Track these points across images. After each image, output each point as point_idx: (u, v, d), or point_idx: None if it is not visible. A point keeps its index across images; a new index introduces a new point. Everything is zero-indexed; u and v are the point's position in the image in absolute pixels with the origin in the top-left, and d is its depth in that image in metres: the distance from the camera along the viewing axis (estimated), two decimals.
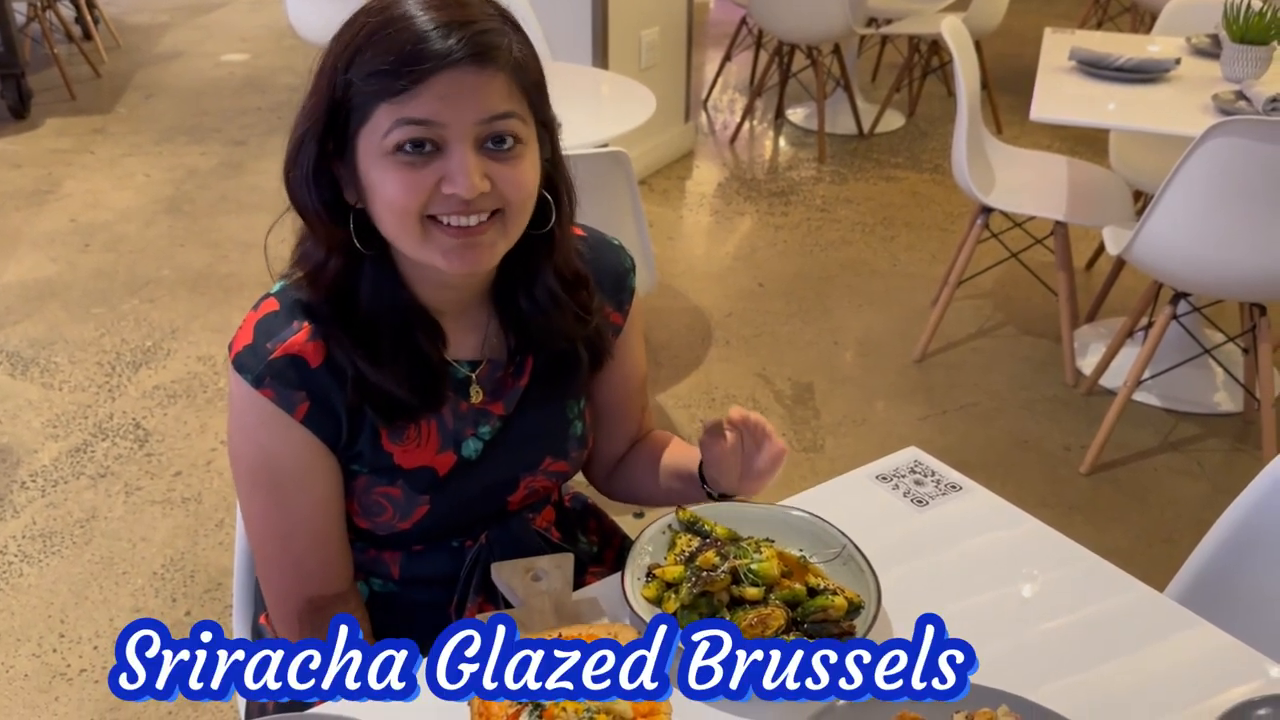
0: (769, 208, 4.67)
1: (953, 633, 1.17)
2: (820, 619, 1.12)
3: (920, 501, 1.39)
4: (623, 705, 1.01)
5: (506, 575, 1.20)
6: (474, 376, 1.25)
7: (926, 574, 1.26)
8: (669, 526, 1.26)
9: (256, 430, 1.17)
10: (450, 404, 1.23)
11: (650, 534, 1.25)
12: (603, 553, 1.51)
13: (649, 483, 1.42)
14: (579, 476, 1.48)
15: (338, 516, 1.23)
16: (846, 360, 3.54)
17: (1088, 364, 3.42)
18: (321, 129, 1.11)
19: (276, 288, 1.20)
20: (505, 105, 1.09)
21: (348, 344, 1.16)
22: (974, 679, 1.07)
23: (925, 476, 1.44)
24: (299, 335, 1.16)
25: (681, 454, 1.40)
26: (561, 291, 1.24)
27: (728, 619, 1.13)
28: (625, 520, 1.57)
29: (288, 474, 1.18)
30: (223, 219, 4.38)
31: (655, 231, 4.37)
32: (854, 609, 1.14)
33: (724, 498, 1.31)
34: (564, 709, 1.00)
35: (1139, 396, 3.22)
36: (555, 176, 1.22)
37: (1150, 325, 3.10)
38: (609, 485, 1.49)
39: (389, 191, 1.09)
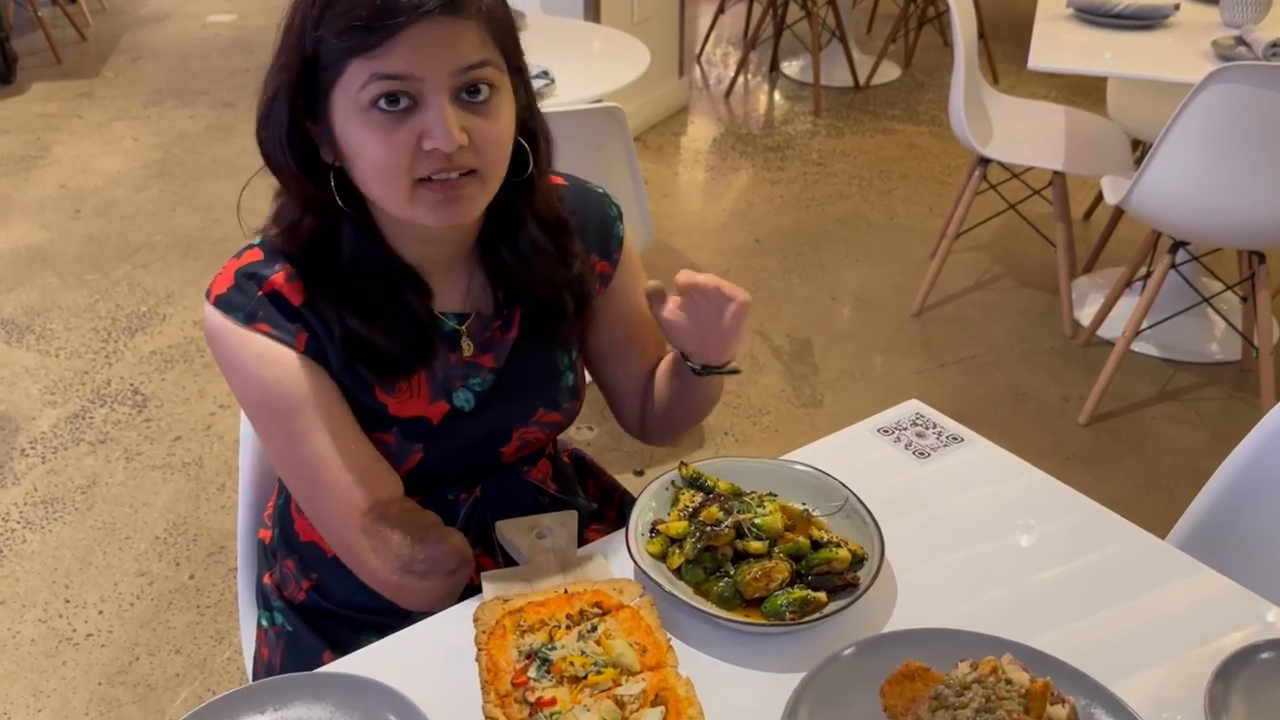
0: (765, 163, 4.64)
1: (954, 583, 1.18)
2: (824, 571, 1.13)
3: (921, 454, 1.39)
4: (630, 658, 1.02)
5: (511, 533, 1.20)
6: (462, 329, 1.25)
7: (929, 525, 1.27)
8: (672, 482, 1.26)
9: (254, 366, 1.16)
10: (440, 356, 1.23)
11: (653, 490, 1.25)
12: (603, 509, 1.51)
13: (662, 399, 1.39)
14: (592, 434, 1.48)
15: (358, 430, 1.20)
16: (844, 315, 3.54)
17: (1086, 315, 3.42)
18: (294, 88, 1.09)
19: (259, 239, 1.20)
20: (479, 54, 1.07)
21: (334, 300, 1.16)
22: (977, 628, 1.07)
23: (926, 429, 1.44)
24: (279, 275, 1.16)
25: (668, 352, 1.39)
26: (543, 237, 1.24)
27: (731, 573, 1.13)
28: (626, 478, 1.57)
29: (297, 401, 1.16)
30: (213, 182, 4.35)
31: (650, 189, 4.34)
32: (857, 561, 1.15)
33: (708, 370, 1.29)
34: (571, 662, 1.01)
35: (1137, 346, 3.22)
36: (531, 122, 1.21)
37: (1148, 275, 3.09)
38: (645, 431, 1.46)
39: (372, 154, 1.08)
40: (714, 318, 1.22)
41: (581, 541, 1.27)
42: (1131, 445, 2.91)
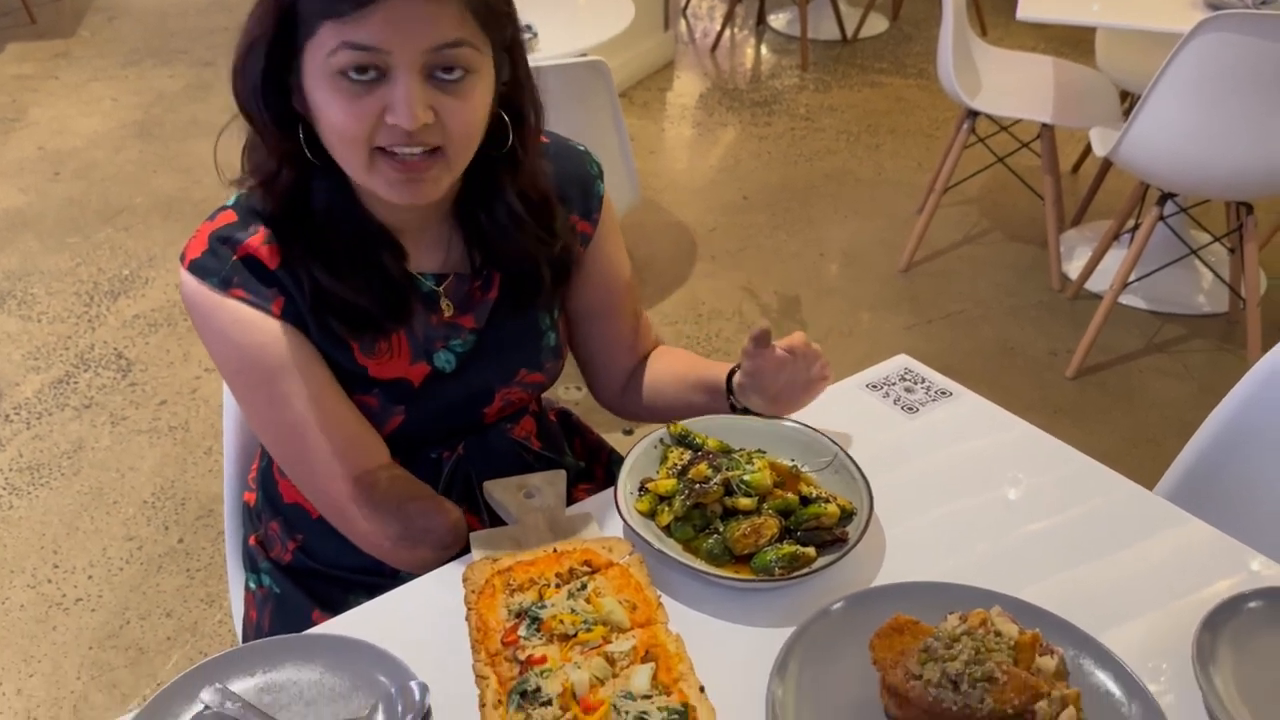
0: (752, 118, 4.60)
1: (943, 537, 1.18)
2: (813, 527, 1.13)
3: (910, 409, 1.39)
4: (620, 615, 1.02)
5: (499, 493, 1.20)
6: (440, 290, 1.23)
7: (918, 479, 1.26)
8: (660, 440, 1.25)
9: (231, 332, 1.15)
10: (419, 316, 1.21)
11: (642, 448, 1.24)
12: (591, 468, 1.51)
13: (668, 396, 1.39)
14: (581, 394, 1.46)
15: (341, 394, 1.19)
16: (832, 272, 3.52)
17: (1073, 268, 3.42)
18: (270, 39, 1.07)
19: (232, 200, 1.18)
20: (456, 33, 1.04)
21: (304, 254, 1.14)
22: (966, 581, 1.07)
23: (915, 383, 1.43)
24: (255, 237, 1.14)
25: (704, 366, 1.37)
26: (524, 212, 1.21)
27: (721, 530, 1.13)
28: (614, 438, 1.57)
29: (277, 366, 1.15)
30: (193, 143, 4.29)
31: (636, 145, 4.30)
32: (846, 516, 1.14)
33: (747, 413, 1.29)
34: (561, 620, 1.00)
35: (1124, 299, 3.22)
36: (519, 97, 1.17)
37: (1136, 228, 3.08)
38: (623, 403, 1.46)
39: (333, 117, 1.05)
40: (794, 379, 1.24)
41: (569, 500, 1.27)
42: (1119, 398, 2.92)
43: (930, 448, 1.32)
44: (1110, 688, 0.98)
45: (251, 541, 1.39)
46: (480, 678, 0.97)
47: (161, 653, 2.18)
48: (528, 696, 0.93)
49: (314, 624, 1.11)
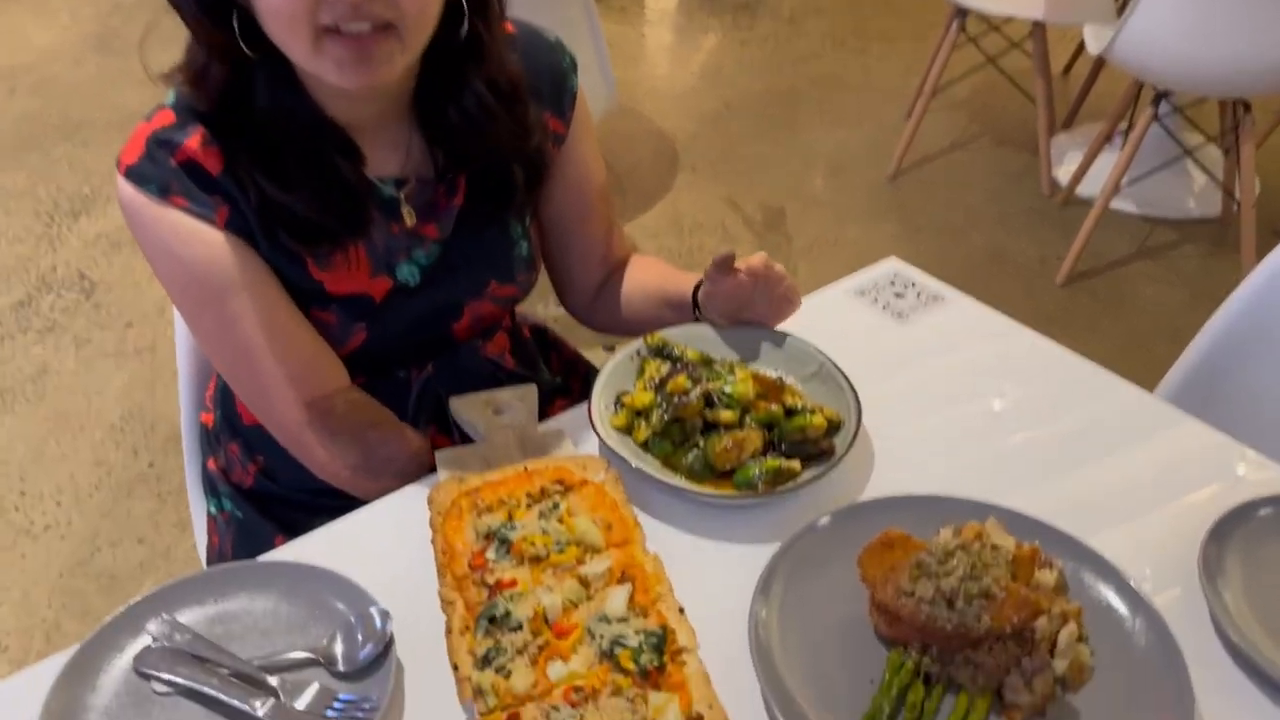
0: (734, 22, 4.44)
1: (934, 446, 1.12)
2: (799, 439, 1.06)
3: (900, 315, 1.32)
4: (594, 535, 0.96)
5: (466, 410, 1.13)
6: (401, 196, 1.14)
7: (908, 388, 1.20)
8: (637, 352, 1.18)
9: (174, 245, 1.06)
10: (379, 226, 1.12)
11: (618, 361, 1.17)
12: (568, 383, 1.44)
13: (638, 309, 1.32)
14: (560, 311, 1.39)
15: (296, 314, 1.11)
16: (817, 181, 3.43)
17: (1064, 174, 3.34)
18: None
19: (170, 98, 1.08)
20: None
21: (248, 163, 1.05)
22: (959, 492, 1.02)
23: (905, 288, 1.36)
24: (193, 139, 1.05)
25: (673, 280, 1.30)
26: (494, 102, 1.11)
27: (701, 445, 1.07)
28: (595, 354, 1.50)
29: (223, 282, 1.07)
30: (154, 55, 4.11)
31: (614, 52, 4.14)
32: (833, 427, 1.08)
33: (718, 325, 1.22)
34: (532, 542, 0.95)
35: (1115, 204, 3.15)
36: None
37: (1128, 130, 2.99)
38: (592, 315, 1.39)
39: None
40: (760, 303, 1.18)
41: (544, 416, 1.21)
42: (1109, 305, 2.87)
43: (921, 355, 1.26)
44: (1113, 601, 0.93)
45: (210, 466, 1.32)
46: (446, 603, 0.91)
47: (134, 579, 2.14)
48: (496, 622, 0.88)
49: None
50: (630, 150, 3.58)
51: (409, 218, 1.15)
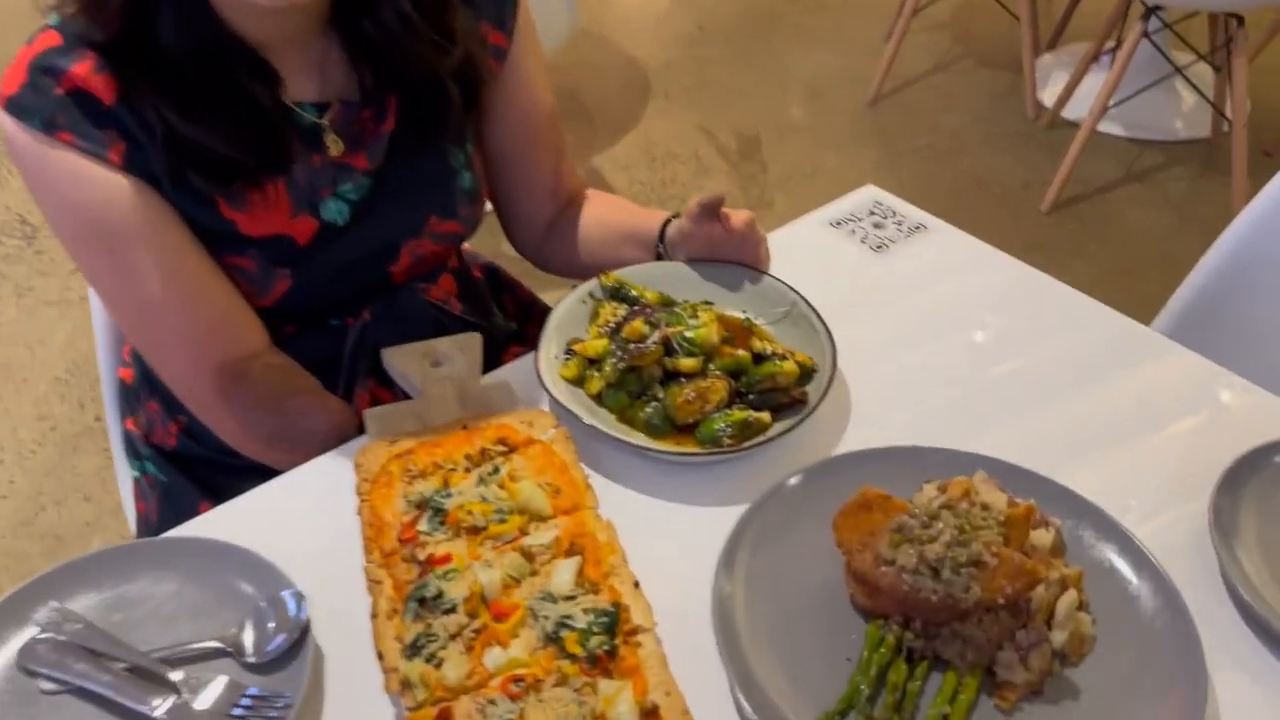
0: None
1: (916, 388, 1.03)
2: (768, 388, 0.96)
3: (880, 246, 1.21)
4: (540, 501, 0.86)
5: (400, 362, 1.02)
6: (325, 122, 1.02)
7: (888, 326, 1.10)
8: (590, 294, 1.07)
9: (63, 188, 0.94)
10: (300, 158, 1.01)
11: (568, 304, 1.06)
12: (523, 328, 1.33)
13: (595, 247, 1.21)
14: (508, 249, 1.28)
15: (208, 265, 1.00)
16: (795, 107, 3.30)
17: (1049, 95, 3.21)
18: None
19: (55, 19, 0.95)
20: None
21: (148, 91, 0.92)
22: (944, 435, 0.92)
23: (885, 218, 1.25)
24: (82, 65, 0.92)
25: (637, 215, 1.20)
26: (414, 13, 0.99)
27: (660, 396, 0.97)
28: (556, 294, 1.38)
29: (122, 231, 0.95)
30: None
31: None
32: (806, 374, 0.98)
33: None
34: (469, 511, 0.84)
35: (1102, 127, 3.03)
36: None
37: (1116, 48, 2.87)
38: (543, 254, 1.28)
39: None
40: (725, 244, 1.09)
41: (498, 364, 1.10)
42: (1095, 231, 2.77)
43: (903, 290, 1.15)
44: (1116, 563, 0.84)
45: (129, 426, 1.21)
46: (373, 582, 0.81)
47: (81, 539, 2.04)
48: (427, 604, 0.78)
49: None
50: (598, 78, 3.43)
51: (334, 146, 1.04)
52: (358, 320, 1.12)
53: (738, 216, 1.07)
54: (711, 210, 1.05)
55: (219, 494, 1.13)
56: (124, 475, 1.31)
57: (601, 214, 1.23)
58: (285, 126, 1.00)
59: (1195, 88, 3.04)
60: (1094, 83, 3.00)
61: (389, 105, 1.05)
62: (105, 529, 2.05)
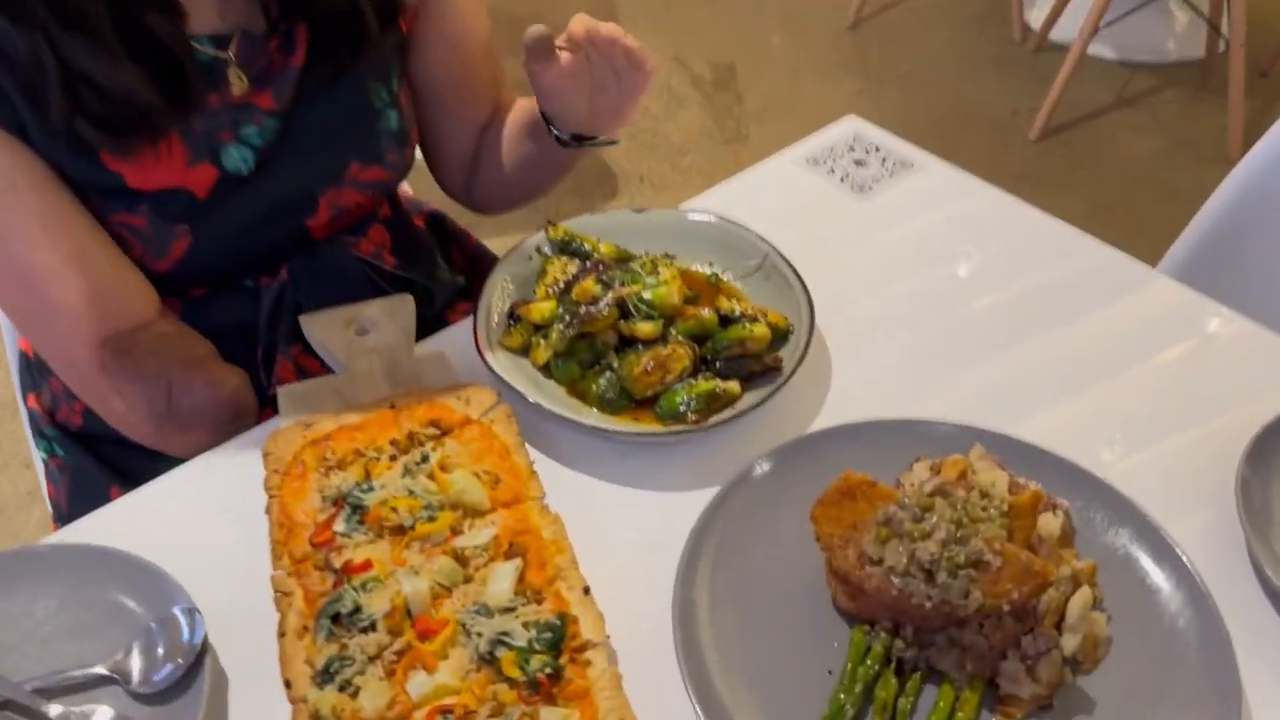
0: None
1: (899, 339, 0.92)
2: (737, 354, 0.85)
3: (861, 187, 1.09)
4: (475, 494, 0.75)
5: (321, 331, 0.90)
6: (228, 56, 0.89)
7: (872, 279, 0.99)
8: (537, 249, 0.95)
9: None
10: (197, 100, 0.88)
11: (512, 261, 0.95)
12: (472, 283, 1.21)
13: (510, 161, 1.09)
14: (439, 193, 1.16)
15: (88, 226, 0.89)
16: (771, 35, 3.14)
17: (1036, 17, 3.08)
18: None
19: None
20: None
21: (32, 28, 0.80)
22: (935, 394, 0.82)
23: (867, 154, 1.13)
24: None
25: (528, 106, 1.06)
26: None
27: (615, 366, 0.85)
28: (509, 241, 1.26)
29: None
30: None
31: None
32: (780, 336, 0.87)
33: (580, 140, 0.99)
34: (394, 509, 0.73)
35: (1092, 49, 2.90)
36: None
37: None
38: (473, 194, 1.16)
39: None
40: (609, 82, 0.92)
41: (443, 325, 0.99)
42: (1085, 159, 2.66)
43: (886, 235, 1.04)
44: (1132, 550, 0.74)
45: (31, 403, 1.09)
46: (281, 594, 0.70)
47: (23, 509, 1.93)
48: (342, 621, 0.67)
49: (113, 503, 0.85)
50: (560, 5, 3.25)
51: (237, 84, 0.91)
52: (275, 280, 1.00)
53: (570, 26, 0.90)
54: (541, 50, 0.90)
55: (132, 478, 1.02)
56: (36, 456, 1.20)
57: (510, 119, 1.10)
58: (188, 63, 0.87)
59: (1191, 5, 2.90)
60: (1083, 2, 2.86)
61: (297, 36, 0.92)
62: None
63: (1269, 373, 0.90)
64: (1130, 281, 1.00)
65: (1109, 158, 2.67)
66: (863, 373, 0.89)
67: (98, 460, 1.04)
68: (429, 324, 1.13)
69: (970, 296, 0.97)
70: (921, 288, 0.98)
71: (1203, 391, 0.88)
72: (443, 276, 1.17)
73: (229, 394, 0.89)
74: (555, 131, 0.99)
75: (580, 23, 0.88)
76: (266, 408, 0.95)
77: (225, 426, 0.87)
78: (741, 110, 2.86)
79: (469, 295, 1.19)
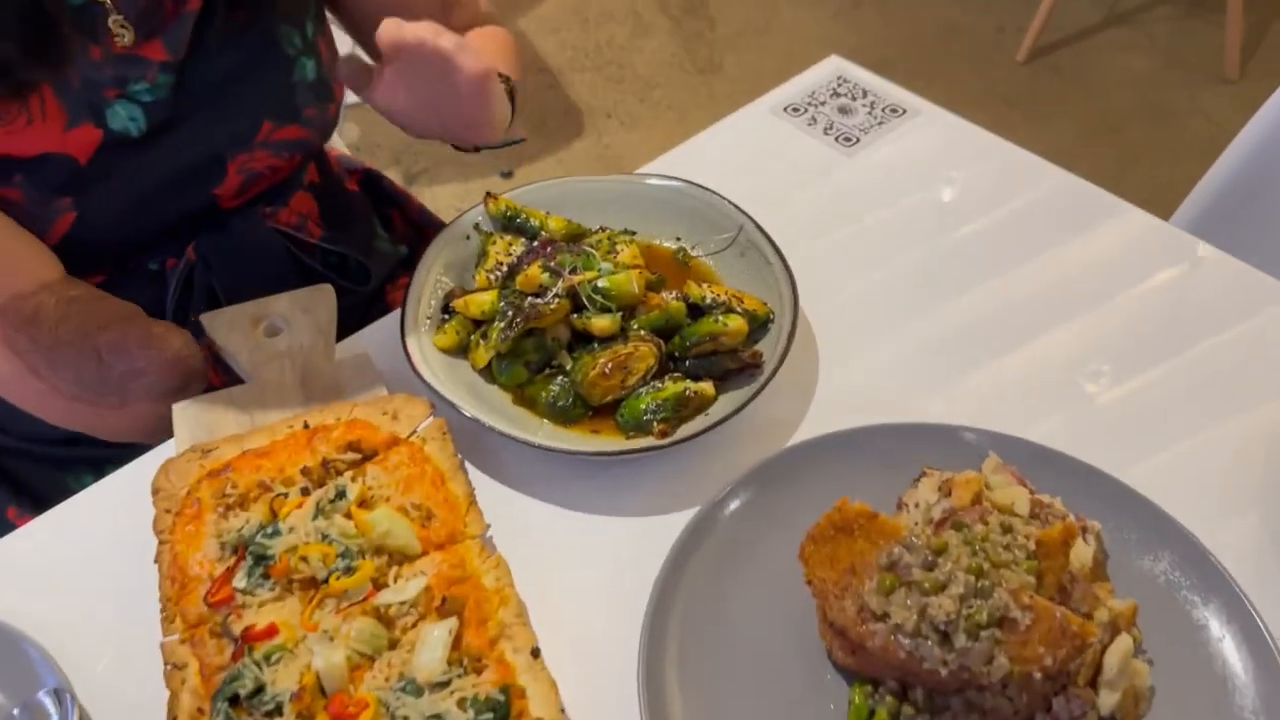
0: None
1: (893, 318, 0.82)
2: (709, 351, 0.73)
3: (848, 138, 0.96)
4: (404, 536, 0.63)
5: (223, 332, 0.77)
6: (107, 2, 0.76)
7: (864, 255, 0.87)
8: (475, 226, 0.82)
9: None
10: (74, 53, 0.75)
11: (446, 240, 0.82)
12: (416, 252, 1.08)
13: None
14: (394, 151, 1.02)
15: None
16: None
17: None
18: None
19: None
20: None
21: None
22: (938, 372, 0.71)
23: (854, 99, 1.00)
24: None
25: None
26: None
27: (569, 368, 0.73)
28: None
29: None
30: None
31: None
32: (758, 326, 0.75)
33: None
34: (304, 558, 0.62)
35: None
36: None
37: None
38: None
39: None
40: (444, 91, 0.74)
41: (385, 304, 0.87)
42: (1075, 82, 2.52)
43: (878, 198, 0.91)
44: (1173, 578, 0.63)
45: None
46: (173, 667, 0.59)
47: None
48: (242, 704, 0.56)
49: (12, 528, 0.73)
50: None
51: (121, 34, 0.77)
52: (181, 260, 0.87)
53: (379, 39, 0.72)
54: (354, 74, 0.76)
55: (36, 497, 0.90)
56: None
57: None
58: (58, 11, 0.74)
59: None
60: None
61: None
62: None
63: (1247, 296, 0.83)
64: (1103, 211, 0.90)
65: (1100, 80, 2.54)
66: (855, 365, 0.78)
67: None
68: (366, 301, 1.01)
69: (983, 273, 0.85)
70: (920, 261, 0.86)
71: (1184, 317, 0.82)
72: (381, 246, 1.04)
73: (172, 355, 0.74)
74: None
75: (386, 29, 0.71)
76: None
77: (172, 395, 0.74)
78: (714, 37, 2.70)
79: (412, 265, 1.06)
